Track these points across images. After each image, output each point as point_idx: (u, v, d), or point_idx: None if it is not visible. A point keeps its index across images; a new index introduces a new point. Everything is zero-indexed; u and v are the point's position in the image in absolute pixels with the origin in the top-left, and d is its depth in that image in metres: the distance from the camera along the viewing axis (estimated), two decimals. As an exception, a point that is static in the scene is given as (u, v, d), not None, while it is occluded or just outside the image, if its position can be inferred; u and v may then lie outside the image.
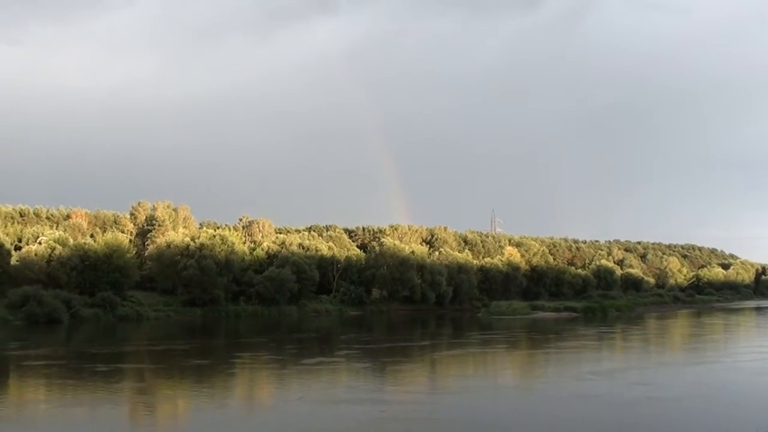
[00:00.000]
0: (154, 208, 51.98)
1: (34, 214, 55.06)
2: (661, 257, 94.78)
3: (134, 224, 52.79)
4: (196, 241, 43.44)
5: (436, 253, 57.22)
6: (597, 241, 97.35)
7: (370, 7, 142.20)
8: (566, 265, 73.42)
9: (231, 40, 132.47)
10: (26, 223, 52.27)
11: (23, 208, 55.38)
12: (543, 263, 65.85)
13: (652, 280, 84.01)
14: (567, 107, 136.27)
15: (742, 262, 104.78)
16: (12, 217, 53.17)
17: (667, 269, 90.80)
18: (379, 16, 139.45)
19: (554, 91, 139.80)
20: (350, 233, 65.64)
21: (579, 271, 71.57)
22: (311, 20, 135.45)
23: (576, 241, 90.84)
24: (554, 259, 71.48)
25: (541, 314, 50.47)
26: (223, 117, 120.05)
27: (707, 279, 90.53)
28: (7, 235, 44.01)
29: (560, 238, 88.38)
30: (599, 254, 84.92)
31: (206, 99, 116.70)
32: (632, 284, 74.78)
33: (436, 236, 66.42)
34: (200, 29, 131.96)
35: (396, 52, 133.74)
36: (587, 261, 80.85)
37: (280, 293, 44.92)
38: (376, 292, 53.19)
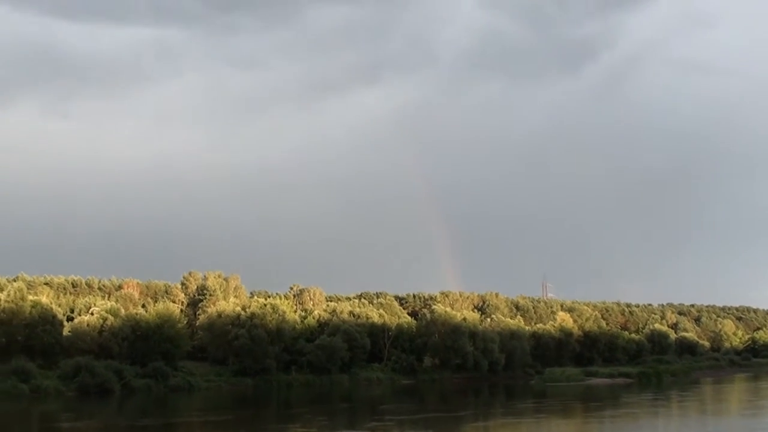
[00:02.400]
0: (205, 278, 52.19)
1: (86, 284, 55.44)
2: (716, 320, 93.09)
3: (185, 294, 52.99)
4: (247, 310, 43.50)
5: (488, 319, 56.71)
6: (650, 304, 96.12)
7: (413, 75, 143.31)
8: (619, 330, 72.25)
9: (276, 111, 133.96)
10: (78, 294, 52.62)
11: (75, 279, 55.81)
12: (596, 328, 65.17)
13: (707, 344, 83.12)
14: (613, 171, 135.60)
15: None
16: (64, 288, 53.60)
17: (722, 332, 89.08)
18: (423, 84, 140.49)
19: (599, 155, 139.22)
20: (401, 300, 65.22)
21: (632, 335, 70.72)
22: (355, 90, 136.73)
23: (629, 305, 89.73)
24: (607, 324, 70.60)
25: (595, 380, 49.71)
26: (272, 186, 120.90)
27: (763, 342, 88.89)
28: (60, 306, 44.30)
29: (612, 302, 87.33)
30: (652, 318, 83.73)
31: (254, 169, 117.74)
32: (687, 348, 73.53)
33: (487, 302, 65.88)
34: (245, 100, 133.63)
35: (441, 119, 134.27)
36: (640, 325, 79.64)
37: (331, 362, 44.72)
38: (427, 361, 52.78)
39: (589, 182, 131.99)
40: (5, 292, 40.23)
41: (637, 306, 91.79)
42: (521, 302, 71.28)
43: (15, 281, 47.69)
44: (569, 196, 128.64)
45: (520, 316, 63.70)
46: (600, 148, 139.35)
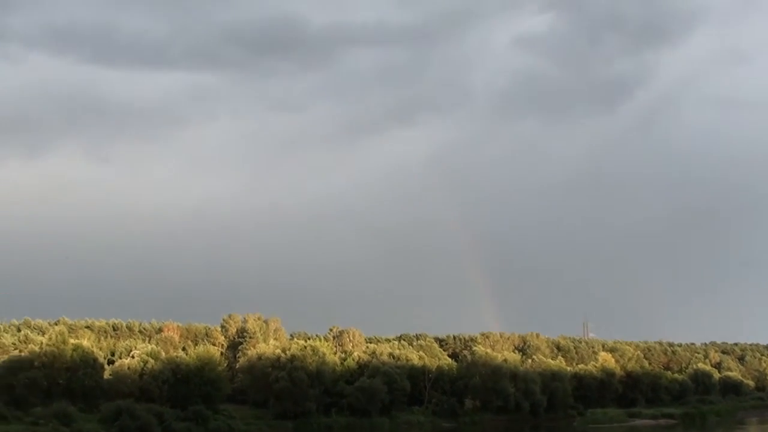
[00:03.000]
0: (245, 321, 52.27)
1: (126, 328, 55.75)
2: (760, 358, 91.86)
3: (225, 337, 53.09)
4: (287, 352, 43.49)
5: (529, 360, 56.75)
6: (693, 344, 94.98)
7: (448, 116, 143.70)
8: (662, 370, 71.48)
9: (313, 154, 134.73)
10: (119, 338, 52.89)
11: (116, 322, 56.12)
12: (638, 368, 65.29)
13: (751, 383, 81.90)
14: (651, 209, 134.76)
15: None
16: (105, 332, 53.90)
17: (767, 371, 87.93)
18: (458, 124, 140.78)
19: (636, 194, 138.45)
20: (441, 342, 65.16)
21: (675, 375, 70.26)
22: (391, 132, 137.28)
23: (671, 345, 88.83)
24: (649, 364, 70.56)
25: (638, 422, 49.11)
26: (310, 230, 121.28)
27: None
28: (101, 349, 44.51)
29: (655, 342, 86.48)
30: (696, 357, 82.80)
31: (292, 212, 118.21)
32: (731, 388, 72.33)
33: (528, 343, 65.46)
34: (282, 143, 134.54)
35: (477, 159, 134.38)
36: (683, 365, 78.74)
37: (371, 404, 44.48)
38: (468, 403, 52.25)
39: (628, 221, 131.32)
40: (47, 336, 40.51)
41: (680, 345, 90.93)
42: (562, 342, 70.83)
43: (56, 325, 48.04)
44: (608, 236, 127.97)
45: (562, 356, 63.57)
46: (637, 187, 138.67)
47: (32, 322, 52.86)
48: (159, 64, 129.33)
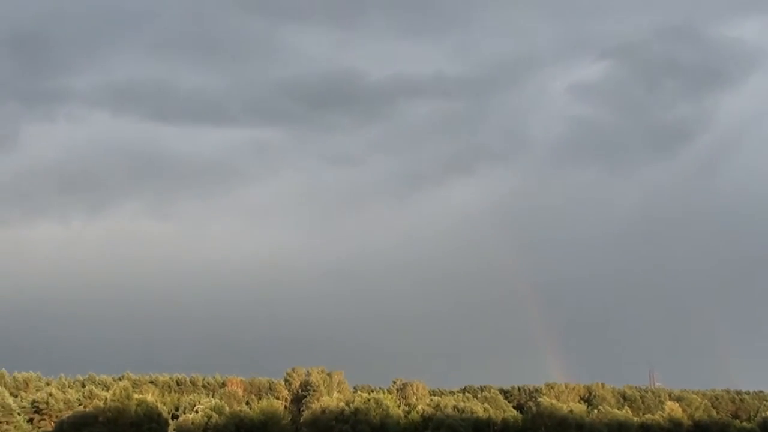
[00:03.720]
0: (309, 374, 52.31)
1: (190, 382, 56.04)
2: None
3: (289, 390, 53.13)
4: (351, 405, 43.20)
5: (595, 411, 55.89)
6: (761, 391, 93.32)
7: (507, 166, 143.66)
8: (730, 419, 70.30)
9: (373, 206, 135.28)
10: (183, 392, 53.16)
11: (180, 377, 56.42)
12: (706, 417, 64.36)
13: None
14: (715, 254, 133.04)
15: None
16: (169, 387, 54.21)
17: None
18: (517, 174, 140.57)
19: (699, 239, 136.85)
20: (506, 394, 64.34)
21: (744, 424, 69.44)
22: (450, 182, 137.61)
23: (739, 393, 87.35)
24: (717, 413, 69.49)
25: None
26: (371, 281, 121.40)
27: None
28: (165, 404, 44.73)
29: (722, 390, 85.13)
30: (764, 405, 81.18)
31: (352, 265, 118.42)
32: (802, 437, 73.07)
33: (593, 393, 64.81)
34: (342, 196, 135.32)
35: (537, 209, 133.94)
36: (752, 413, 77.37)
37: (436, 457, 45.54)
38: (535, 454, 53.18)
39: (692, 268, 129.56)
40: (111, 391, 40.84)
41: (748, 393, 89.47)
42: (628, 392, 70.03)
43: (120, 380, 48.48)
44: (672, 284, 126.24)
45: (628, 406, 63.05)
46: (699, 233, 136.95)
47: (96, 378, 53.39)
48: (219, 120, 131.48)
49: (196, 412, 42.62)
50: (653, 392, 74.72)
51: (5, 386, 45.94)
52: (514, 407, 59.10)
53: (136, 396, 41.01)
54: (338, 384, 51.77)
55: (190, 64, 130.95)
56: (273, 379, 56.11)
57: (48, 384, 49.57)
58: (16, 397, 45.13)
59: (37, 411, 43.61)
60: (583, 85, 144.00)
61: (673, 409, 62.40)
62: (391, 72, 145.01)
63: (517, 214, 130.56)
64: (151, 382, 53.29)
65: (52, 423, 41.86)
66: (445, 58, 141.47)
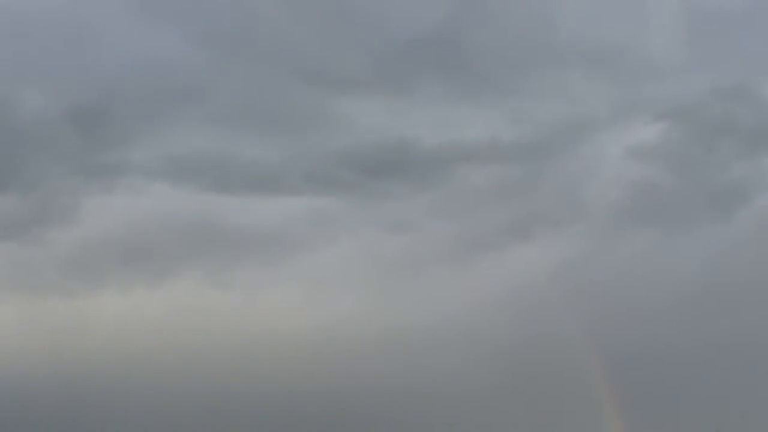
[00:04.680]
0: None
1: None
2: None
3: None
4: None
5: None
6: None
7: (565, 230, 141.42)
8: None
9: (432, 273, 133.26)
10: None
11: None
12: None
13: None
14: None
15: None
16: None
17: None
18: (575, 238, 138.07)
19: (760, 306, 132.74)
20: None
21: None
22: (508, 248, 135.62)
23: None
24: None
25: None
26: (429, 352, 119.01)
27: None
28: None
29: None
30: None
31: (412, 333, 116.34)
32: None
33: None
34: (400, 264, 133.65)
35: (596, 273, 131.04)
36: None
37: None
38: None
39: (756, 333, 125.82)
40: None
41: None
42: (695, 461, 68.39)
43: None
44: (737, 350, 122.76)
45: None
46: (762, 297, 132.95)
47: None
48: (276, 189, 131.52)
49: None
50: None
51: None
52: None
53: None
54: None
55: (248, 135, 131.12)
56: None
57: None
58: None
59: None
60: (640, 147, 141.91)
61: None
62: (447, 138, 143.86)
63: (576, 280, 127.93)
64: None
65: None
66: (500, 124, 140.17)
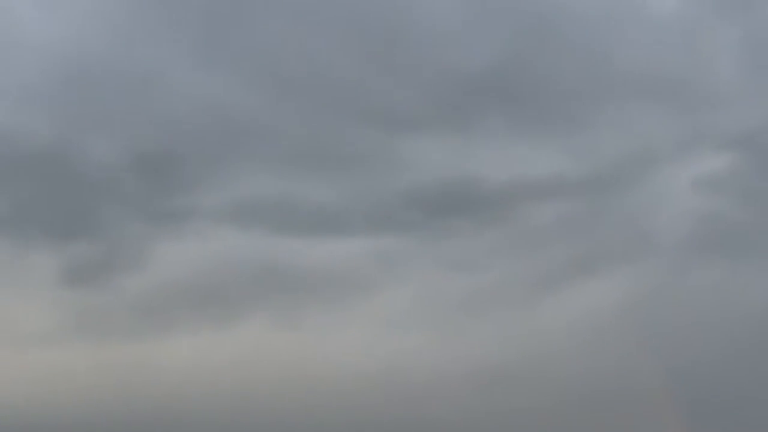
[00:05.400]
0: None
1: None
2: None
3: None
4: None
5: None
6: None
7: (631, 264, 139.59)
8: None
9: (498, 312, 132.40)
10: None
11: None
12: None
13: None
14: None
15: None
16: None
17: None
18: (642, 272, 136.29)
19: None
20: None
21: None
22: (574, 285, 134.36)
23: None
24: None
25: None
26: (498, 391, 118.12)
27: None
28: None
29: None
30: None
31: (479, 373, 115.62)
32: None
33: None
34: (464, 303, 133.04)
35: (666, 307, 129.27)
36: None
37: None
38: None
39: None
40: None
41: None
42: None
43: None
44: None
45: None
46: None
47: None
48: (341, 231, 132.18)
49: None
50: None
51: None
52: None
53: None
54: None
55: (312, 176, 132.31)
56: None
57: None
58: None
59: None
60: (706, 178, 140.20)
61: None
62: (511, 175, 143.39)
63: (645, 315, 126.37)
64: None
65: None
66: (564, 159, 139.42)
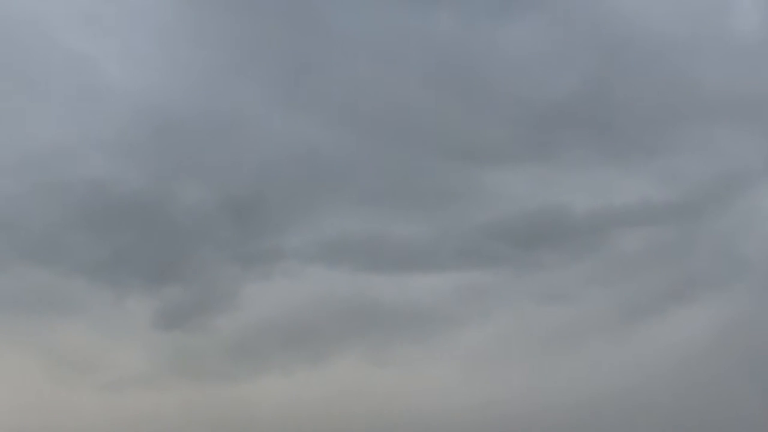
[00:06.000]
0: None
1: None
2: None
3: None
4: None
5: None
6: None
7: (725, 290, 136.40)
8: None
9: (590, 343, 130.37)
10: None
11: None
12: None
13: None
14: None
15: None
16: None
17: None
18: (738, 297, 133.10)
19: None
20: None
21: None
22: (667, 313, 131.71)
23: None
24: None
25: None
26: (594, 427, 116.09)
27: None
28: None
29: None
30: None
31: (575, 408, 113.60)
32: None
33: None
34: (557, 335, 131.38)
35: (760, 331, 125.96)
36: None
37: None
38: None
39: None
40: None
41: None
42: None
43: None
44: None
45: None
46: None
47: None
48: (428, 266, 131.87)
49: None
50: None
51: None
52: None
53: None
54: None
55: (397, 213, 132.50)
56: None
57: None
58: None
59: None
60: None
61: None
62: (597, 203, 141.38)
63: (744, 340, 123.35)
64: None
65: None
66: (650, 184, 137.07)
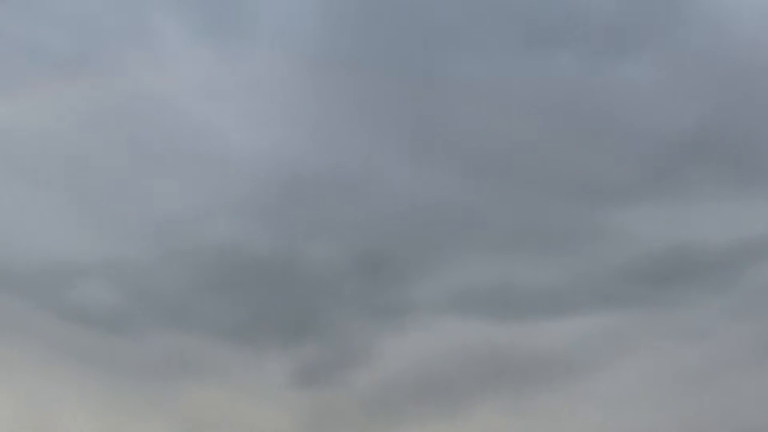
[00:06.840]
0: None
1: None
2: None
3: None
4: None
5: None
6: None
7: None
8: None
9: (733, 380, 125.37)
10: None
11: None
12: None
13: None
14: None
15: None
16: None
17: None
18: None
19: None
20: None
21: None
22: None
23: None
24: None
25: None
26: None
27: None
28: None
29: None
30: None
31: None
32: None
33: None
34: (695, 374, 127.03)
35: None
36: None
37: None
38: None
39: None
40: None
41: None
42: None
43: None
44: None
45: None
46: None
47: None
48: (562, 310, 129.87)
49: None
50: None
51: None
52: None
53: None
54: None
55: (527, 259, 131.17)
56: None
57: None
58: None
59: None
60: None
61: None
62: (730, 237, 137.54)
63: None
64: None
65: None
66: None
